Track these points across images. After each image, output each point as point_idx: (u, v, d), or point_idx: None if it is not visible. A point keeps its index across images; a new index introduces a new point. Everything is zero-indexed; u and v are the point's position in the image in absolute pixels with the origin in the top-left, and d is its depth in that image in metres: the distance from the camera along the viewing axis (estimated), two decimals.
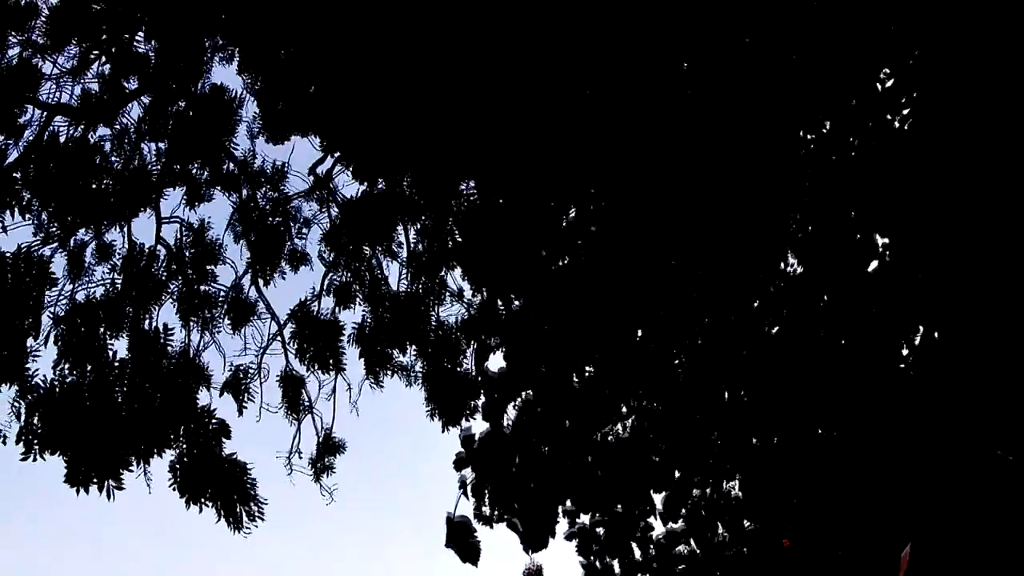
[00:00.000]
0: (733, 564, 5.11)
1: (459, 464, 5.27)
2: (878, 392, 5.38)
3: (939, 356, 5.37)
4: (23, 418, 3.92)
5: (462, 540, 4.39)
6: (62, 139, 4.97)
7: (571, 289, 5.13)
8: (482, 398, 5.34)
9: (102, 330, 4.76)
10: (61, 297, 4.94)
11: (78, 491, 4.00)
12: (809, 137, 5.49)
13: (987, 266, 4.98)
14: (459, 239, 5.75)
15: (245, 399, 5.54)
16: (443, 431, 5.48)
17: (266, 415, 5.72)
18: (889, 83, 5.15)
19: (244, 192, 6.02)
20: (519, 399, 5.05)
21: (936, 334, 5.42)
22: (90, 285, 5.16)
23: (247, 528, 4.37)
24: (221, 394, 5.56)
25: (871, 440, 5.54)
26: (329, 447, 5.76)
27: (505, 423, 5.25)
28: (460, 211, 5.99)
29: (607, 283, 5.12)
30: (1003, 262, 4.85)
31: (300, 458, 5.73)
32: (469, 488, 4.64)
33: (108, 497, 3.91)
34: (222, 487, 4.18)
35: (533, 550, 4.84)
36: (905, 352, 5.49)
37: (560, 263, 5.35)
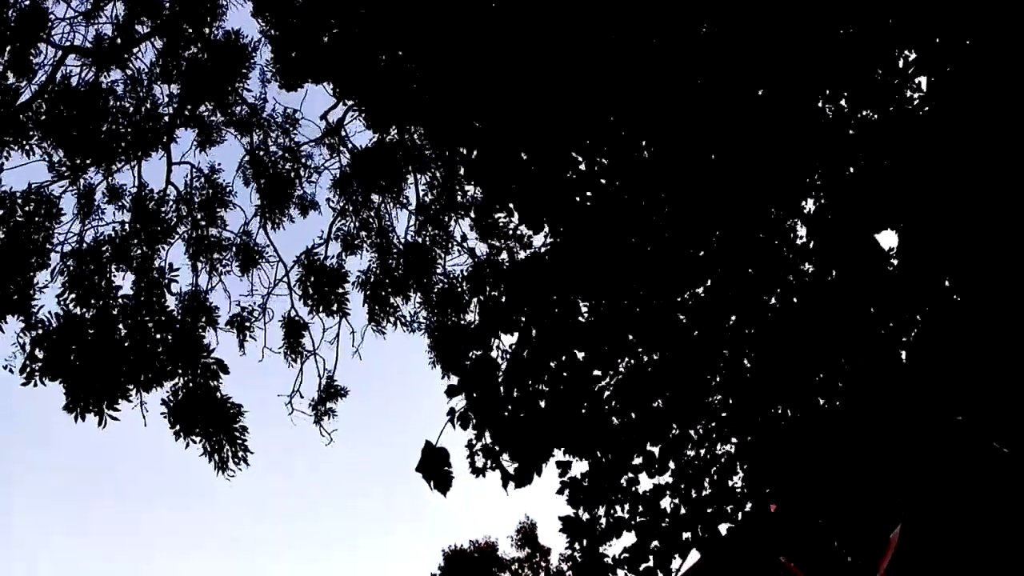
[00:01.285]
0: (715, 521, 5.09)
1: (451, 391, 5.19)
2: (880, 370, 5.25)
3: (943, 342, 5.21)
4: (27, 348, 4.10)
5: (435, 467, 4.34)
6: (74, 81, 5.11)
7: (589, 219, 5.03)
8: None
9: (109, 267, 4.93)
10: (70, 236, 5.13)
11: (76, 419, 4.19)
12: (828, 108, 5.31)
13: (997, 254, 4.80)
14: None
15: (248, 337, 5.70)
16: (443, 378, 5.54)
17: (269, 359, 5.87)
18: (911, 58, 4.93)
19: (256, 137, 6.11)
20: (516, 331, 4.96)
21: (942, 319, 5.26)
22: (100, 225, 5.34)
23: (231, 471, 4.50)
24: (229, 326, 5.72)
25: (870, 419, 5.44)
26: (331, 391, 5.89)
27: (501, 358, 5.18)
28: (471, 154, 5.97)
29: (624, 222, 5.03)
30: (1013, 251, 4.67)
31: (302, 398, 5.87)
32: (457, 417, 4.57)
33: (101, 424, 4.08)
34: (213, 424, 4.31)
35: (517, 485, 4.80)
36: (911, 333, 5.34)
37: (580, 196, 5.26)
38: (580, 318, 5.23)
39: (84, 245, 4.98)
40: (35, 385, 4.22)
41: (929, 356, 5.27)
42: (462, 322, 5.92)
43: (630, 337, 5.25)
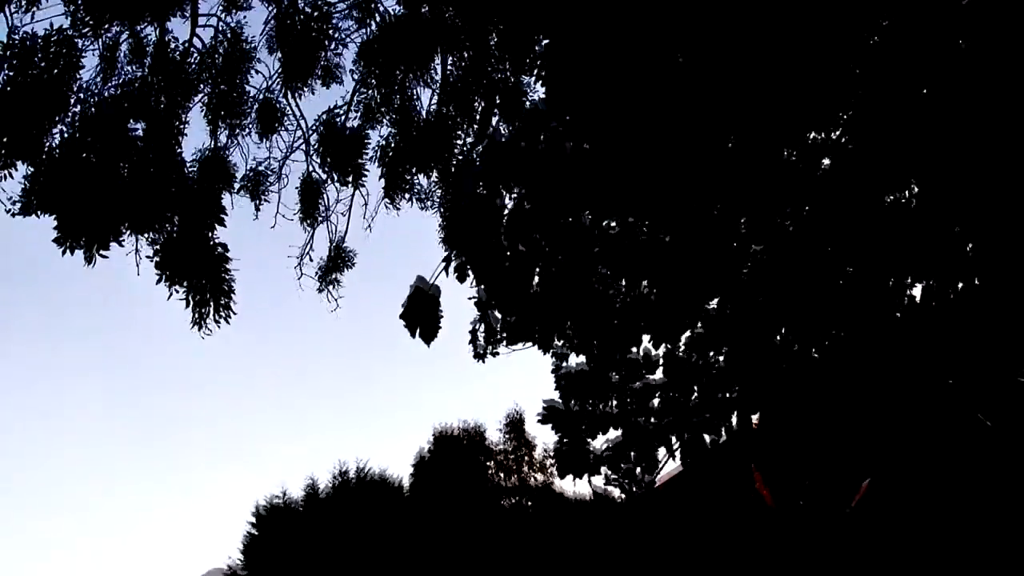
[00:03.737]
0: (700, 429, 5.26)
1: (449, 238, 5.00)
2: (882, 323, 5.28)
3: (947, 306, 5.21)
4: (29, 182, 4.09)
5: (423, 311, 4.19)
6: None
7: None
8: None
9: (125, 117, 4.83)
10: (90, 88, 5.03)
11: (64, 252, 4.18)
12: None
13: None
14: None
15: (262, 201, 5.71)
16: (449, 253, 5.56)
17: (280, 237, 5.88)
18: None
19: (284, 0, 5.91)
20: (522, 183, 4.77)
21: (949, 282, 5.25)
22: (119, 84, 5.23)
23: (207, 329, 4.50)
24: (243, 190, 5.73)
25: (863, 367, 5.50)
26: (339, 258, 5.95)
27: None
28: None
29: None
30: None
31: (311, 261, 5.92)
32: (454, 268, 4.43)
33: (89, 262, 4.10)
34: (200, 272, 4.30)
35: (509, 342, 4.75)
36: (915, 295, 5.35)
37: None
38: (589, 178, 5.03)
39: (102, 96, 4.88)
40: (27, 216, 4.18)
41: (933, 315, 5.29)
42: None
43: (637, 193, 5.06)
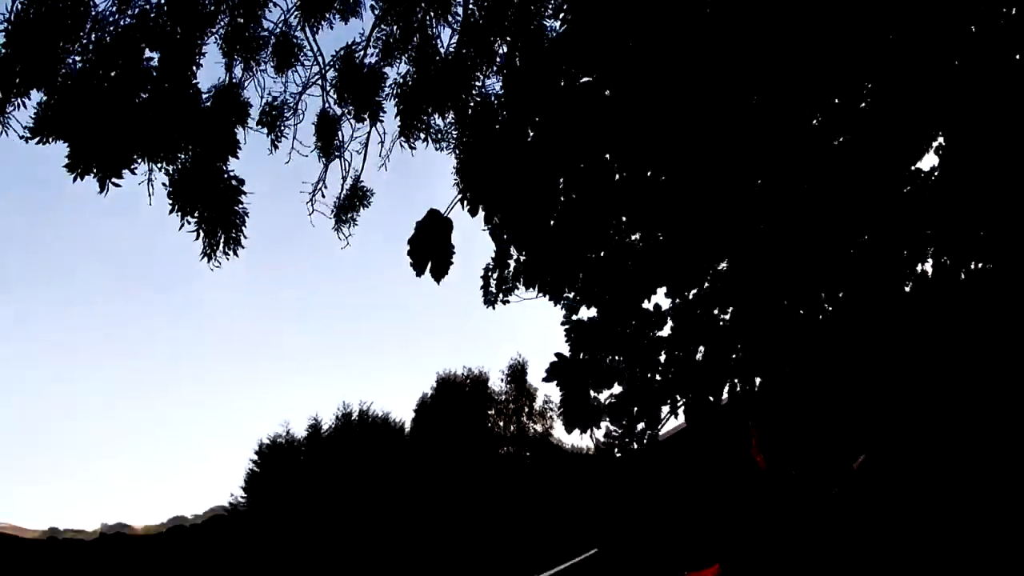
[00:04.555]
0: (703, 388, 5.24)
1: (463, 168, 4.77)
2: (890, 296, 5.23)
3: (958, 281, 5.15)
4: (43, 109, 4.02)
5: (433, 242, 3.78)
6: None
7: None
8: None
9: (140, 46, 4.74)
10: (106, 16, 4.91)
11: (75, 179, 4.14)
12: None
13: None
14: None
15: (279, 135, 5.64)
16: (464, 198, 5.49)
17: (295, 175, 5.81)
18: None
19: None
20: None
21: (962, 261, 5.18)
22: (136, 14, 5.11)
23: (216, 261, 4.50)
24: (260, 125, 5.65)
25: (865, 344, 5.47)
26: (356, 196, 5.90)
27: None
28: None
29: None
30: None
31: (324, 196, 5.87)
32: (468, 199, 4.24)
33: (103, 189, 4.07)
34: (212, 202, 4.28)
35: (518, 248, 4.52)
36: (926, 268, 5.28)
37: None
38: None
39: (118, 25, 4.77)
40: (39, 143, 4.13)
41: (943, 293, 5.24)
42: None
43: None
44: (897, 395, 6.23)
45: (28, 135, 3.96)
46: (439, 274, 3.97)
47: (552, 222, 4.69)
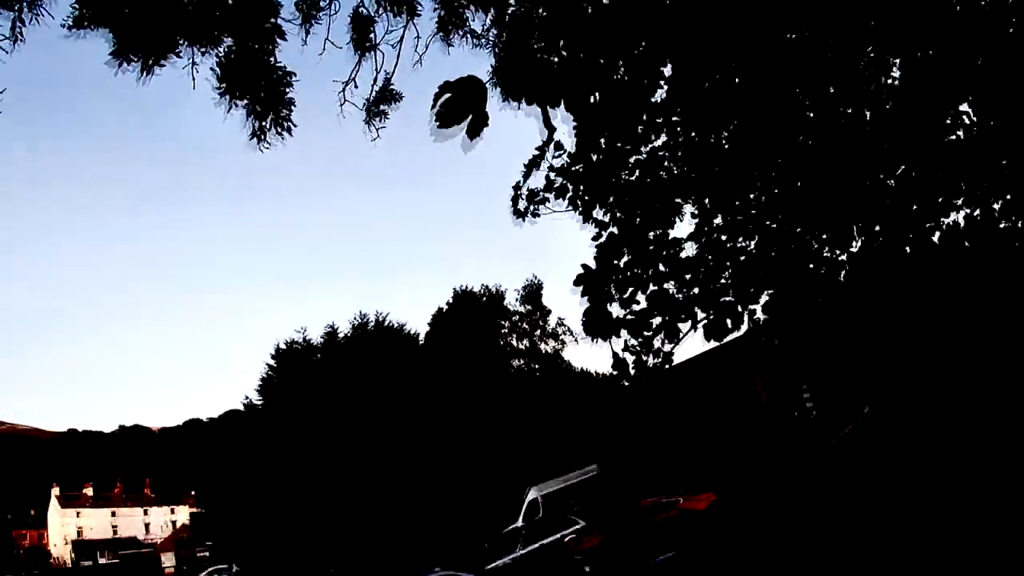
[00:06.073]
0: (724, 310, 5.25)
1: (505, 50, 4.56)
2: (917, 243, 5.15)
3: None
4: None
5: (469, 98, 3.43)
6: None
7: None
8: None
9: None
10: None
11: (120, 66, 4.13)
12: None
13: None
14: None
15: (313, 24, 5.52)
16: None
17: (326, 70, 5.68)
18: None
19: None
20: None
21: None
22: None
23: (267, 143, 4.51)
24: (296, 12, 5.53)
25: (886, 292, 5.42)
26: (387, 92, 5.82)
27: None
28: None
29: None
30: None
31: (356, 89, 5.78)
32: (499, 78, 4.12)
33: (145, 72, 4.06)
34: (261, 88, 4.27)
35: (541, 104, 4.37)
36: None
37: None
38: None
39: None
40: (82, 28, 4.08)
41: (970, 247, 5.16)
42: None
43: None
44: (910, 346, 6.23)
45: (70, 24, 3.90)
46: (474, 132, 3.73)
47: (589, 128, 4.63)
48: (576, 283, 5.04)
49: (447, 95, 3.54)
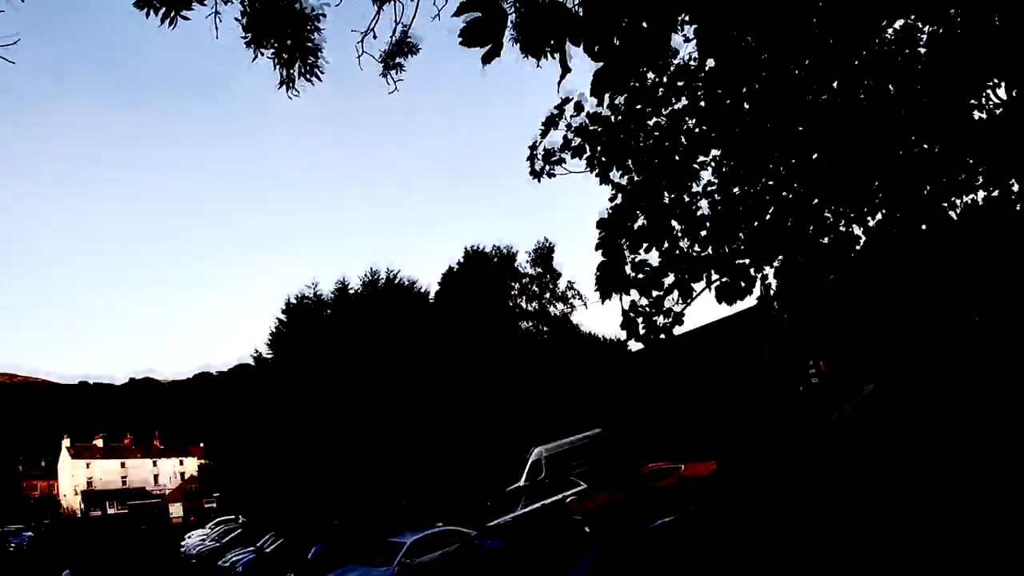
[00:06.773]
0: (737, 273, 5.24)
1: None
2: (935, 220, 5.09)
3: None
4: None
5: (487, 25, 3.40)
6: None
7: None
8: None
9: None
10: None
11: (146, 15, 4.08)
12: None
13: None
14: None
15: None
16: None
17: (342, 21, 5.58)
18: None
19: None
20: None
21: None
22: None
23: (295, 90, 4.46)
24: None
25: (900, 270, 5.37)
26: (404, 44, 5.75)
27: None
28: None
29: None
30: None
31: (375, 38, 5.73)
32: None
33: (169, 23, 4.01)
34: (288, 34, 4.21)
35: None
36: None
37: None
38: None
39: None
40: None
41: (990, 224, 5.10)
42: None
43: None
44: (918, 326, 6.21)
45: None
46: (488, 60, 3.59)
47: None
48: (598, 226, 5.04)
49: (476, 14, 3.49)
